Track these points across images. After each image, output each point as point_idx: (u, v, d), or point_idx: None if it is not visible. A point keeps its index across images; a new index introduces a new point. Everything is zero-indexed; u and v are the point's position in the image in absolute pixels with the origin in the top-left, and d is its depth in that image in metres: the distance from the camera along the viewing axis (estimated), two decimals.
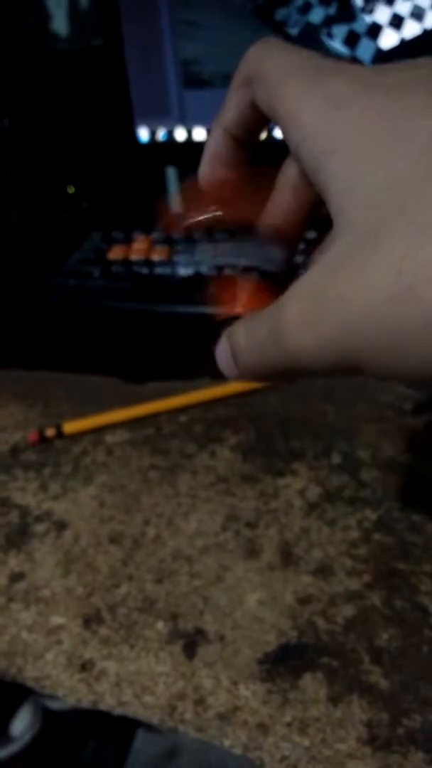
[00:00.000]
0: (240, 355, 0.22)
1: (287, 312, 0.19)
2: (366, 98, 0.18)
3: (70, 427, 0.44)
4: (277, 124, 0.21)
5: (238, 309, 0.25)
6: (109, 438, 0.44)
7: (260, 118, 0.23)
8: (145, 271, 0.58)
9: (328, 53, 0.60)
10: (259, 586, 0.33)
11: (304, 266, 0.26)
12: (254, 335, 0.21)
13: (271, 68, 0.21)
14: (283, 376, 0.21)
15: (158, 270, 0.58)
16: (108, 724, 1.02)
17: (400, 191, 0.16)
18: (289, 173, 0.24)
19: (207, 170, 0.25)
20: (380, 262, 0.16)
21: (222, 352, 0.23)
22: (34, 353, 0.54)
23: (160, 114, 0.64)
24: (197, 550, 0.35)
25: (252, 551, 0.35)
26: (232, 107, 0.23)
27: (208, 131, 0.64)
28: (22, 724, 0.94)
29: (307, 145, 0.19)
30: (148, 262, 0.59)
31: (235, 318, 0.23)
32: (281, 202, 0.25)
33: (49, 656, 0.31)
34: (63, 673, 0.30)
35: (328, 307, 0.17)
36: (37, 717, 0.94)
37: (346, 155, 0.18)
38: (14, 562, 0.35)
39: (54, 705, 0.95)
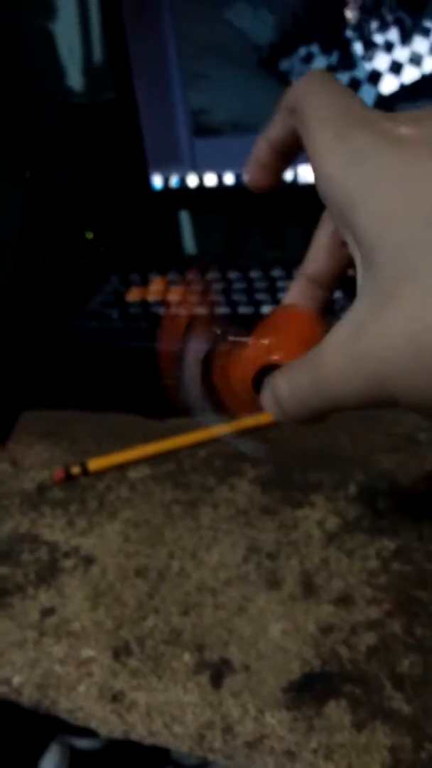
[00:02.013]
0: (284, 405, 0.23)
1: (324, 364, 0.20)
2: (386, 154, 0.19)
3: (94, 464, 0.45)
4: (309, 162, 0.22)
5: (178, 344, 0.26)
6: (132, 474, 0.45)
7: (299, 142, 0.24)
8: (161, 311, 0.60)
9: None
10: (282, 616, 0.34)
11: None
12: (296, 386, 0.22)
13: (310, 109, 0.22)
14: (326, 416, 0.22)
15: (174, 310, 0.60)
16: (136, 763, 1.01)
17: (412, 253, 0.18)
18: (324, 233, 0.26)
19: (251, 172, 0.27)
20: (395, 322, 0.18)
21: (268, 401, 0.24)
22: (59, 393, 0.56)
23: (172, 162, 0.67)
24: (221, 582, 0.36)
25: (274, 582, 0.36)
26: (277, 125, 0.25)
27: (219, 177, 0.67)
28: (50, 764, 0.93)
29: (332, 197, 0.20)
30: (165, 303, 0.61)
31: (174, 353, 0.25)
32: (316, 260, 0.27)
33: (81, 688, 0.32)
34: (95, 705, 0.31)
35: (360, 360, 0.19)
36: (65, 757, 0.94)
37: (366, 213, 0.19)
38: (44, 597, 0.37)
39: (82, 744, 0.95)
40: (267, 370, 0.24)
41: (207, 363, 0.26)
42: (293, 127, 0.24)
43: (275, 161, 0.26)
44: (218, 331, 0.26)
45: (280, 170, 0.27)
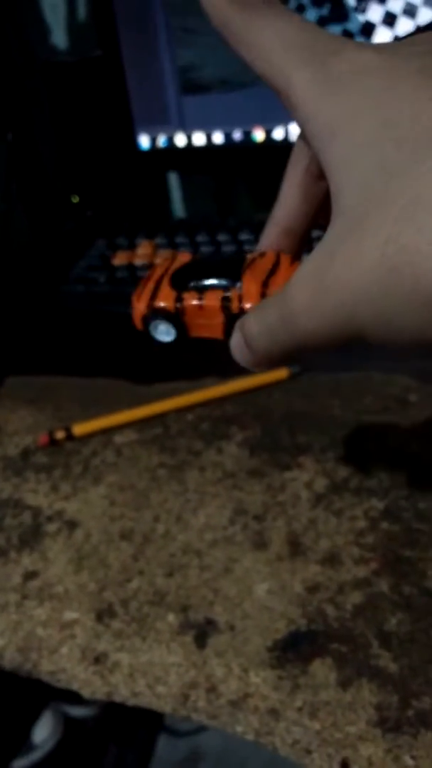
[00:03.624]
0: (253, 343, 0.22)
1: (293, 298, 0.20)
2: (362, 81, 0.18)
3: (79, 428, 0.45)
4: (278, 94, 0.21)
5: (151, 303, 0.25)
6: (118, 438, 0.45)
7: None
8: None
9: None
10: (268, 576, 0.33)
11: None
12: (265, 322, 0.21)
13: (271, 38, 0.20)
14: (297, 358, 0.22)
15: None
16: (129, 729, 1.02)
17: (386, 176, 0.17)
18: (295, 172, 0.25)
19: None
20: (368, 245, 0.17)
21: (236, 342, 0.23)
22: (45, 359, 0.54)
23: (159, 121, 0.65)
24: (206, 543, 0.36)
25: (260, 543, 0.35)
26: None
27: (208, 136, 0.65)
28: (43, 732, 0.94)
29: (310, 127, 0.19)
30: (152, 267, 0.60)
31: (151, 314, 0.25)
32: (289, 202, 0.25)
33: (64, 650, 0.31)
34: (77, 666, 0.31)
35: (328, 290, 0.18)
36: (59, 724, 0.95)
37: (344, 140, 0.18)
38: (28, 561, 0.36)
39: (75, 712, 0.96)
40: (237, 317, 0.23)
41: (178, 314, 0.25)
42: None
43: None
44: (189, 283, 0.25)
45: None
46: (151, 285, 0.26)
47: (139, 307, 0.26)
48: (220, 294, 0.24)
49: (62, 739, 0.93)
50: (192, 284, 0.25)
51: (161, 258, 0.61)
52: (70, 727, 0.94)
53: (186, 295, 0.25)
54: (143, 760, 1.02)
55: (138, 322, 0.26)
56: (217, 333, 0.25)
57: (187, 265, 0.26)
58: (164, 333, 0.26)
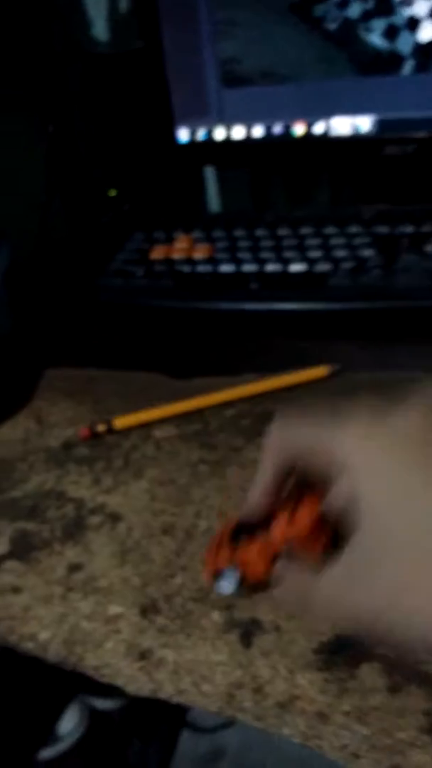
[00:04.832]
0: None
1: (314, 602, 0.25)
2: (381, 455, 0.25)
3: (120, 422, 0.44)
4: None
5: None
6: (158, 433, 0.44)
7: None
8: (186, 269, 0.59)
9: (367, 48, 0.60)
10: None
11: None
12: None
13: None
14: None
15: (200, 268, 0.58)
16: (152, 724, 1.02)
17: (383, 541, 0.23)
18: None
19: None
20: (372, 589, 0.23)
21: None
22: (83, 352, 0.54)
23: (199, 114, 0.65)
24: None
25: None
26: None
27: (248, 129, 0.64)
28: (69, 723, 0.95)
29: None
30: (190, 261, 0.59)
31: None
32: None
33: (109, 645, 0.31)
34: (122, 662, 0.30)
35: (343, 609, 0.24)
36: (84, 716, 0.95)
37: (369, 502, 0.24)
38: (71, 554, 0.36)
39: (100, 704, 0.96)
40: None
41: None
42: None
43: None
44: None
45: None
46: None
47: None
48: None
49: (87, 731, 0.93)
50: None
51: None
52: (96, 720, 0.94)
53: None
54: (165, 755, 1.02)
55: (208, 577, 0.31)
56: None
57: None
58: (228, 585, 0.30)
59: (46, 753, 0.91)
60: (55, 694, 0.91)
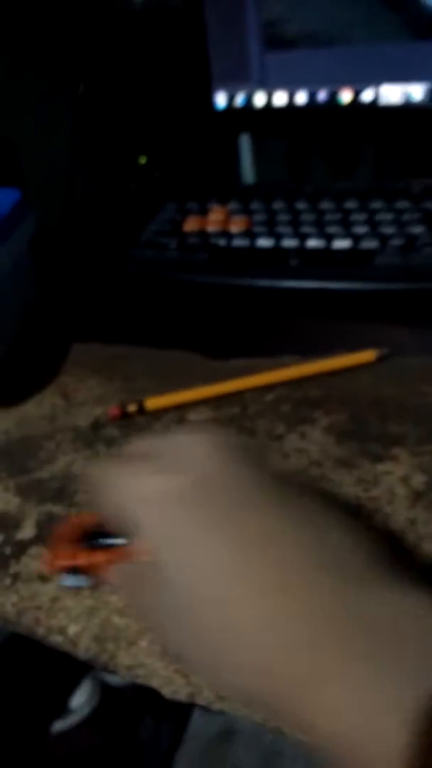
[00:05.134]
0: None
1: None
2: None
3: (152, 402, 0.42)
4: None
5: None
6: (192, 415, 0.42)
7: None
8: (222, 242, 0.56)
9: (423, 10, 0.56)
10: None
11: None
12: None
13: None
14: None
15: (236, 241, 0.55)
16: (165, 702, 1.02)
17: None
18: None
19: None
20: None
21: None
22: (112, 327, 0.52)
23: (239, 78, 0.61)
24: None
25: None
26: None
27: (290, 95, 0.61)
28: (82, 697, 0.94)
29: None
30: (226, 234, 0.56)
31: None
32: None
33: (143, 643, 0.29)
34: (158, 662, 0.28)
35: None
36: (97, 691, 0.95)
37: None
38: None
39: (113, 680, 0.96)
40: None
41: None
42: None
43: None
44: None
45: None
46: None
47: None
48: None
49: (99, 706, 0.93)
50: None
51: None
52: (108, 695, 0.94)
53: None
54: (177, 733, 1.02)
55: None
56: None
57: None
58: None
59: (58, 725, 0.91)
60: (69, 668, 0.90)
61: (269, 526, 0.22)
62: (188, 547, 0.22)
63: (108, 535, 0.29)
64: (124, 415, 0.42)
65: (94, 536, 0.29)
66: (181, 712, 1.02)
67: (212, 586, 0.21)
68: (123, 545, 0.27)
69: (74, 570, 0.30)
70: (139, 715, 0.98)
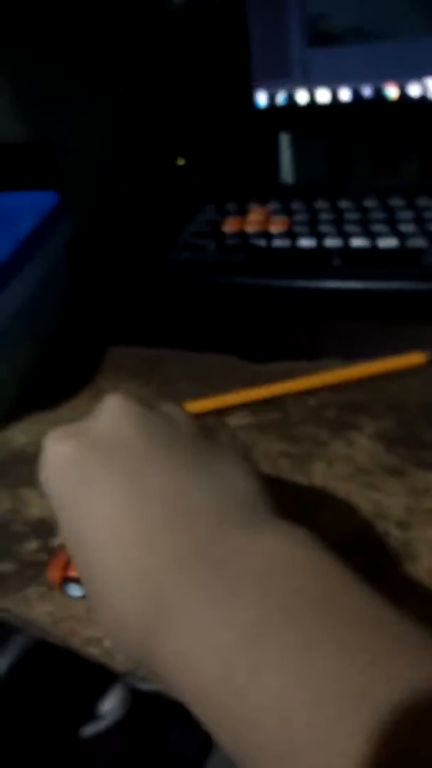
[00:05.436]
0: None
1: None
2: None
3: (191, 407, 0.41)
4: None
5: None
6: (232, 420, 0.41)
7: None
8: (262, 243, 0.54)
9: None
10: (418, 595, 0.29)
11: None
12: None
13: None
14: None
15: (277, 242, 0.54)
16: None
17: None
18: None
19: None
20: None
21: None
22: (147, 329, 0.51)
23: (280, 75, 0.60)
24: (339, 548, 0.31)
25: (407, 555, 0.30)
26: None
27: (334, 93, 0.59)
28: (112, 702, 0.94)
29: None
30: (266, 234, 0.55)
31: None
32: None
33: None
34: None
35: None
36: (127, 697, 0.94)
37: None
38: None
39: (144, 686, 0.95)
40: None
41: None
42: None
43: None
44: None
45: None
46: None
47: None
48: None
49: (129, 712, 0.92)
50: None
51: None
52: (139, 701, 0.93)
53: None
54: (207, 741, 1.00)
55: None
56: None
57: None
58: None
59: (87, 730, 0.90)
60: (100, 672, 0.90)
61: (165, 478, 0.23)
62: (79, 502, 0.24)
63: None
64: None
65: None
66: None
67: (94, 528, 0.23)
68: None
69: (74, 580, 0.30)
70: (169, 722, 0.97)
